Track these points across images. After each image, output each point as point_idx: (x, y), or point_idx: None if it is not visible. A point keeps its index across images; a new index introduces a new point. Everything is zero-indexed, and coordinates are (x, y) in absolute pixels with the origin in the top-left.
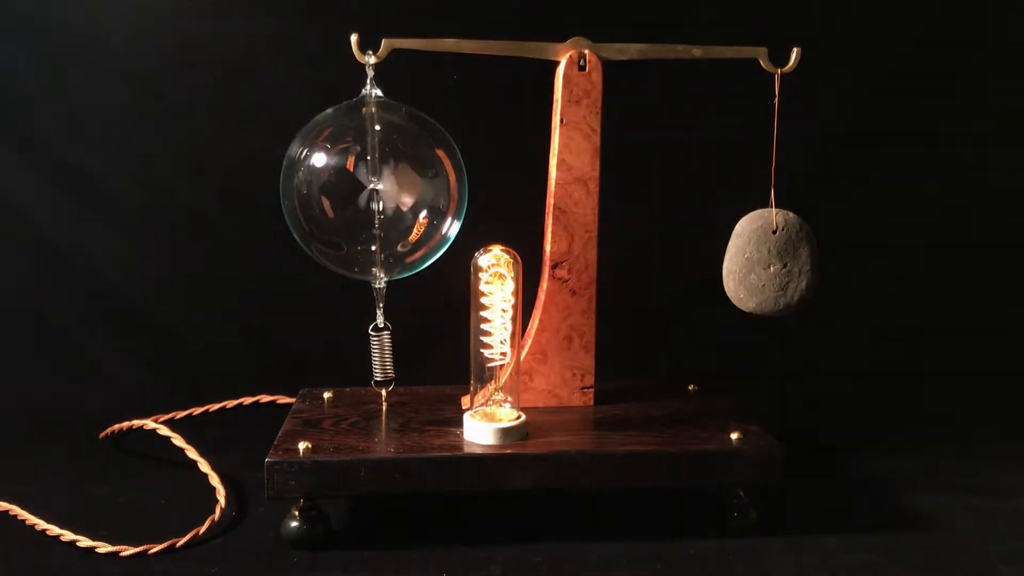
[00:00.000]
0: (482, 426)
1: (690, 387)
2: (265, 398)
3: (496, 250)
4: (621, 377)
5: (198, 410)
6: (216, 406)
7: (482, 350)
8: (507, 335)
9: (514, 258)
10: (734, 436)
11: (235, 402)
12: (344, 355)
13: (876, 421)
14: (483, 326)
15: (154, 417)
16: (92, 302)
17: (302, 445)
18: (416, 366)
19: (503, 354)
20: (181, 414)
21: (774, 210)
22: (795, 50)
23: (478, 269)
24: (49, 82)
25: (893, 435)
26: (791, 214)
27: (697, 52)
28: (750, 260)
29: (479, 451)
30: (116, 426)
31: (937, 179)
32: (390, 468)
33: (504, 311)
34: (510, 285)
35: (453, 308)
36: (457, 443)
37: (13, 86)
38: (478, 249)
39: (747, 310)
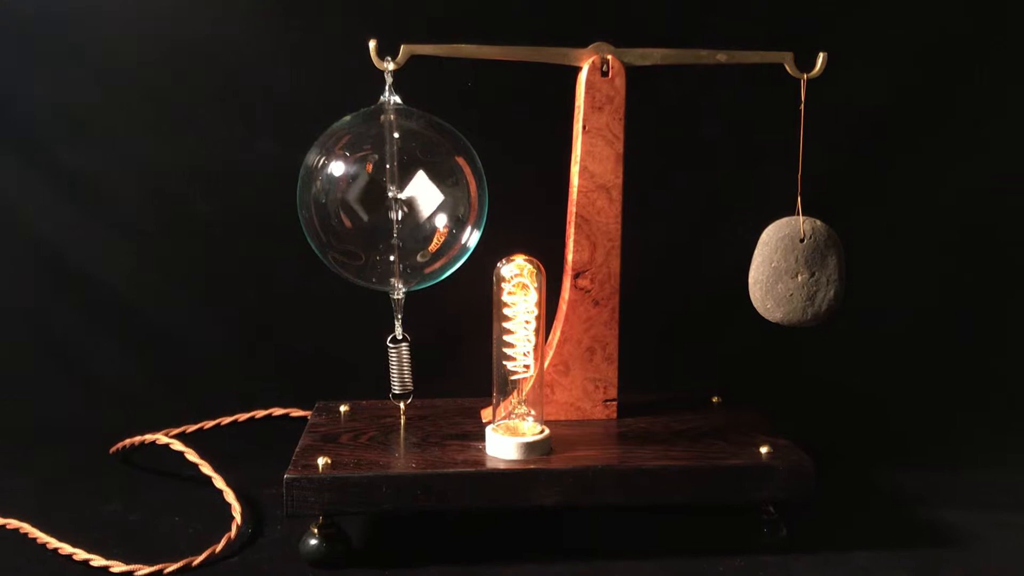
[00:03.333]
0: (505, 440)
1: (714, 399)
2: (278, 411)
3: (519, 260)
4: (643, 389)
5: (209, 424)
6: (228, 419)
7: (505, 362)
8: (530, 347)
9: (538, 268)
10: (763, 450)
11: (247, 415)
12: (358, 367)
13: (901, 433)
14: (506, 337)
15: (165, 431)
16: (100, 313)
17: (321, 461)
18: (432, 378)
19: (526, 366)
20: (192, 428)
21: (801, 218)
22: (821, 55)
23: (501, 279)
24: (55, 89)
25: (919, 448)
26: (818, 222)
27: (722, 57)
28: (777, 269)
29: (502, 466)
30: (127, 441)
31: (963, 184)
32: (412, 484)
33: (527, 322)
34: (533, 296)
35: (468, 318)
36: (480, 458)
37: (19, 92)
38: (495, 259)
39: (774, 320)
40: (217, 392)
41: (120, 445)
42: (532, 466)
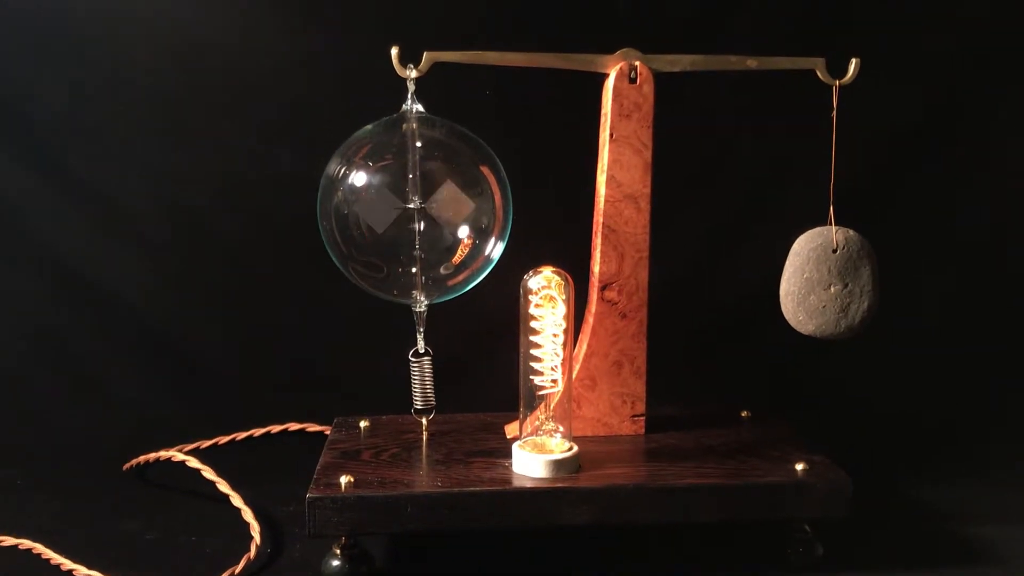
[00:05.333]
0: (533, 458)
1: (743, 413)
2: (294, 426)
3: (547, 271)
4: (669, 403)
5: (224, 439)
6: (243, 434)
7: (532, 376)
8: (558, 361)
9: (566, 280)
10: (799, 467)
11: (263, 430)
12: (376, 381)
13: (932, 448)
14: (533, 351)
15: (179, 447)
16: (112, 327)
17: (344, 479)
18: (452, 392)
19: (554, 381)
20: (206, 443)
21: (834, 228)
22: (854, 61)
23: (528, 292)
24: (68, 100)
25: (950, 462)
26: (851, 232)
27: (752, 63)
28: (810, 280)
29: (530, 484)
30: (142, 457)
31: (998, 196)
32: (438, 503)
33: (555, 336)
34: (561, 308)
35: (489, 332)
36: (507, 476)
37: (32, 105)
38: (518, 271)
39: (806, 333)
40: (232, 406)
41: (135, 461)
42: (561, 484)
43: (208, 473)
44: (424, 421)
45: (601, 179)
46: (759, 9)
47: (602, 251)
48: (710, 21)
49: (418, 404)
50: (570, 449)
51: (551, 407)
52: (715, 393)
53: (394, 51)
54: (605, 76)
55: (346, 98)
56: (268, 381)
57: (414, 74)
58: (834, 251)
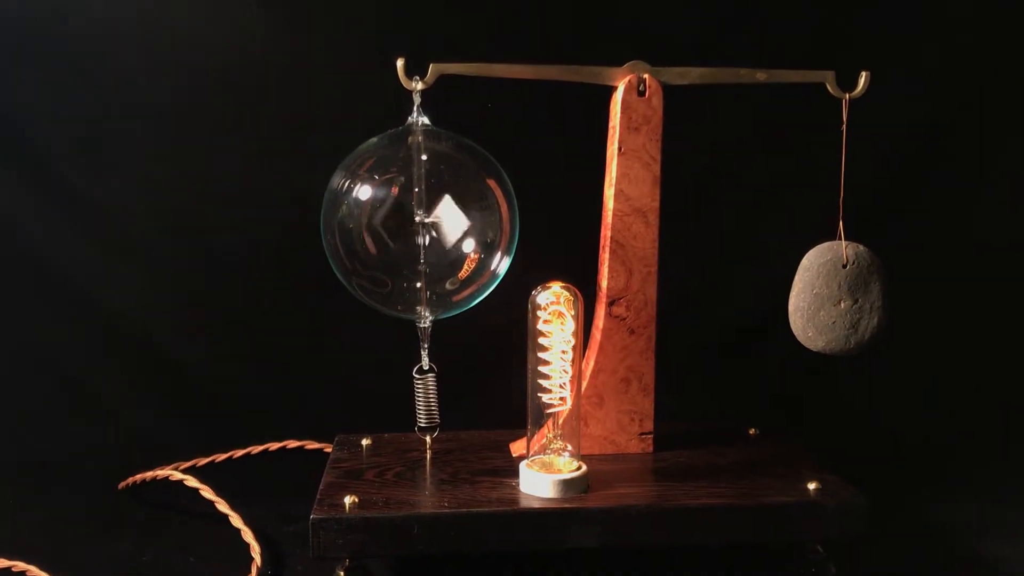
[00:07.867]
0: (541, 477)
1: (751, 431)
2: (293, 443)
3: (556, 287)
4: (674, 420)
5: (221, 456)
6: (240, 452)
7: (540, 394)
8: (567, 378)
9: (575, 296)
10: (811, 486)
11: (261, 447)
12: (377, 397)
13: (945, 465)
14: (541, 368)
15: (175, 465)
16: (109, 343)
17: (348, 500)
18: (454, 409)
19: (562, 399)
20: (203, 461)
21: (843, 243)
22: (864, 74)
23: (536, 307)
24: (64, 112)
25: (963, 480)
26: (861, 247)
27: (762, 76)
28: (819, 296)
29: (538, 505)
30: (138, 476)
31: (1009, 210)
32: (445, 524)
33: (564, 352)
34: (571, 324)
35: (492, 348)
36: (514, 496)
37: (27, 116)
38: (524, 287)
39: (815, 349)
40: (230, 423)
41: (131, 480)
42: (569, 505)
43: (207, 492)
44: (428, 439)
45: (609, 193)
46: (769, 22)
47: (610, 266)
48: (719, 34)
49: (422, 422)
50: (579, 468)
51: (559, 424)
52: (722, 410)
53: (400, 63)
54: (613, 89)
55: (350, 111)
56: (267, 397)
57: (420, 86)
58: (844, 266)
